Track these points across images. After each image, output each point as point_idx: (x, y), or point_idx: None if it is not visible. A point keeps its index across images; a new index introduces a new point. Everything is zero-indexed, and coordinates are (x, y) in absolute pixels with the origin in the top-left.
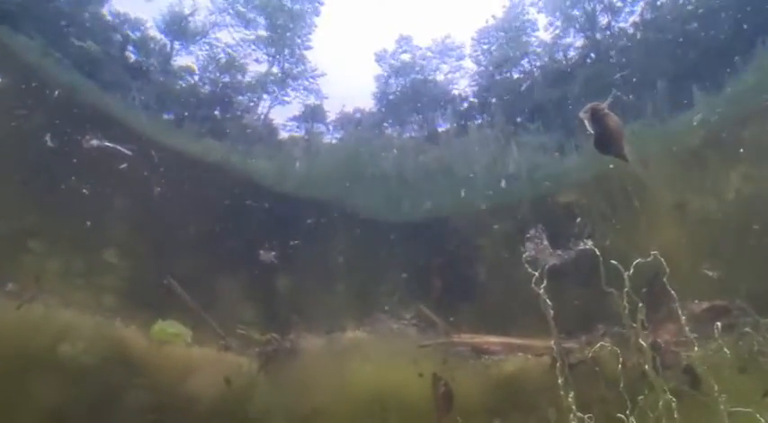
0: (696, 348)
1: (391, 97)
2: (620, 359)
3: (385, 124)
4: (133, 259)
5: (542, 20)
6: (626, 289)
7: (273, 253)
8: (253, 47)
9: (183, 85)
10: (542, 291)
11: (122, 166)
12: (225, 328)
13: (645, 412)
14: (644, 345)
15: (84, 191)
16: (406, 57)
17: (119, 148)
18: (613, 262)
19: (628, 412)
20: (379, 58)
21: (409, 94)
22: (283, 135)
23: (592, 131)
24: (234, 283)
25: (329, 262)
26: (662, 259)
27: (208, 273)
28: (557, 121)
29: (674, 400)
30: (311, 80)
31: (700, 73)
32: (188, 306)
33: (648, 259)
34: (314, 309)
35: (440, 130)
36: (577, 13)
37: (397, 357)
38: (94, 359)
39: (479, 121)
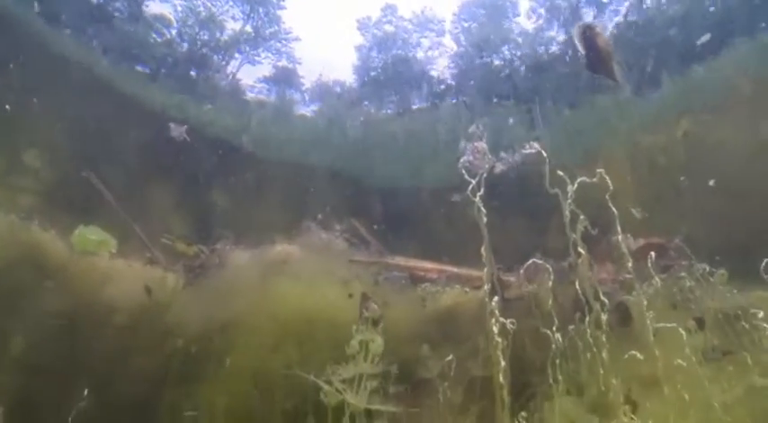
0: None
1: (373, 74)
2: (553, 294)
3: (365, 103)
4: (57, 163)
5: (524, 4)
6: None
7: (185, 127)
8: (230, 3)
9: (159, 40)
10: (479, 199)
11: None
12: (152, 242)
13: (575, 342)
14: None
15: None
16: (389, 28)
17: None
18: (559, 173)
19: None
20: (362, 27)
21: (390, 72)
22: (250, 96)
23: (582, 51)
24: (164, 195)
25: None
26: (607, 178)
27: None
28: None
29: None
30: (284, 42)
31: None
32: (110, 206)
33: (594, 179)
34: (244, 221)
35: (414, 108)
36: (562, 4)
37: (327, 274)
38: (2, 258)
39: (454, 101)
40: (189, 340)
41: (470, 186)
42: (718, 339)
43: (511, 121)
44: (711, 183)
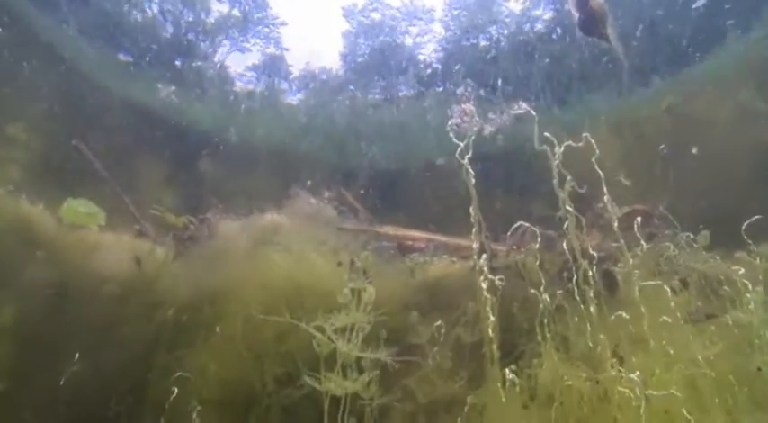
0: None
1: (360, 60)
2: (540, 258)
3: (351, 88)
4: (45, 136)
5: None
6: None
7: (173, 88)
8: None
9: (139, 20)
10: (467, 162)
11: None
12: (142, 214)
13: (562, 304)
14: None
15: None
16: (375, 15)
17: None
18: (547, 135)
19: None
20: (348, 14)
21: (377, 58)
22: (239, 85)
23: (576, 14)
24: (153, 167)
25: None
26: (593, 142)
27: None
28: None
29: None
30: (271, 27)
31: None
32: (99, 179)
33: (580, 144)
34: (233, 191)
35: (401, 95)
36: None
37: (316, 243)
38: None
39: (441, 88)
40: (179, 310)
41: (458, 149)
42: (701, 303)
43: (496, 101)
44: (694, 151)
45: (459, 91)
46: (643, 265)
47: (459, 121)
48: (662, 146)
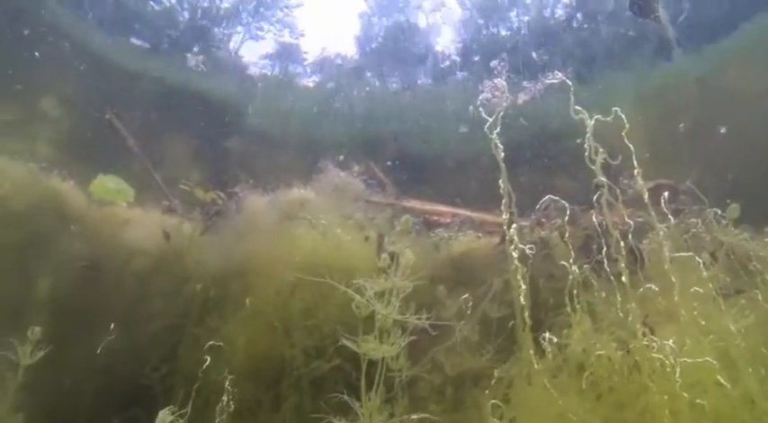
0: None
1: (374, 45)
2: (566, 236)
3: (368, 73)
4: (76, 113)
5: None
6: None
7: (201, 57)
8: None
9: (157, 8)
10: (495, 136)
11: None
12: (170, 189)
13: (591, 284)
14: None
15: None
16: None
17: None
18: (578, 107)
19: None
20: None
21: (392, 42)
22: (255, 70)
23: None
24: (181, 142)
25: None
26: (623, 116)
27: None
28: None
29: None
30: (286, 10)
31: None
32: (129, 155)
33: (609, 118)
34: (261, 165)
35: (419, 82)
36: None
37: (343, 218)
38: (23, 204)
39: (459, 77)
40: (207, 284)
41: (487, 124)
42: (730, 278)
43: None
44: (723, 130)
45: (493, 64)
46: (670, 241)
47: (489, 96)
48: (681, 124)
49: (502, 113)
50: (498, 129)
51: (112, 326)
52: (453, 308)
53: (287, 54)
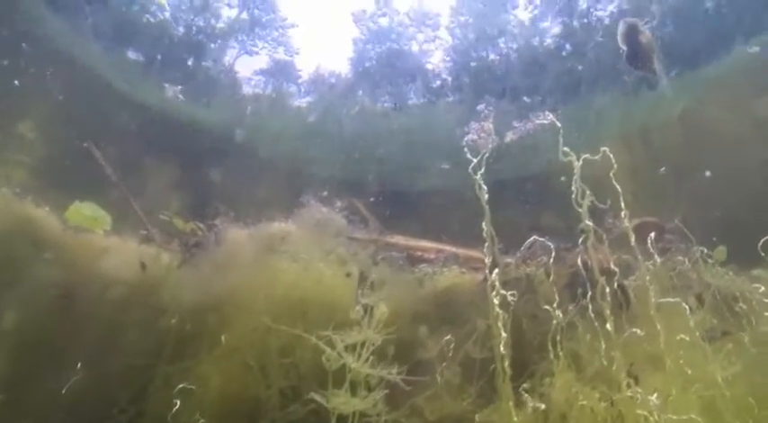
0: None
1: (367, 65)
2: (552, 277)
3: (360, 92)
4: (53, 139)
5: None
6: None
7: (179, 87)
8: None
9: (152, 20)
10: (479, 177)
11: None
12: (149, 219)
13: (575, 320)
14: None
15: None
16: (383, 20)
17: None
18: (566, 149)
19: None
20: (357, 19)
21: (384, 63)
22: (247, 90)
23: (624, 47)
24: (162, 172)
25: None
26: (611, 156)
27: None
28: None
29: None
30: (281, 30)
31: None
32: (106, 183)
33: (597, 157)
34: (243, 198)
35: (410, 103)
36: None
37: (324, 253)
38: None
39: (450, 99)
40: (184, 317)
41: (472, 164)
42: (716, 320)
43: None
44: (708, 173)
45: (480, 108)
46: (656, 280)
47: (475, 137)
48: (662, 168)
49: (487, 155)
50: (483, 170)
51: (79, 365)
52: (435, 349)
53: (281, 72)
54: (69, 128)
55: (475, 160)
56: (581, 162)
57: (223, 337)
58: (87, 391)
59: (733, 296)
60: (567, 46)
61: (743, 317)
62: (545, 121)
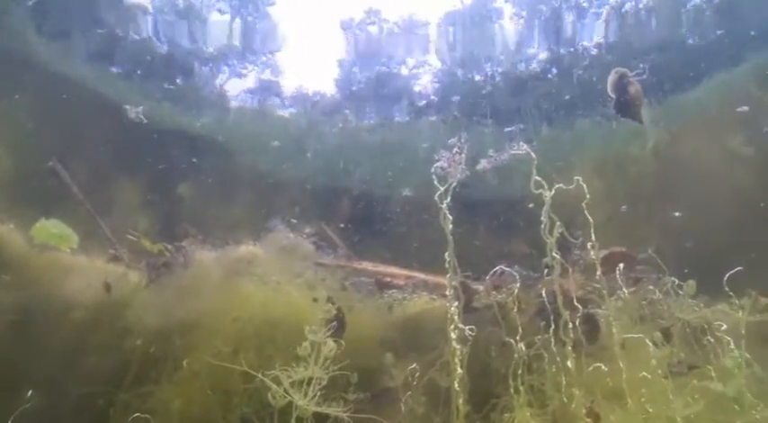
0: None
1: (354, 88)
2: (518, 303)
3: (346, 111)
4: (18, 156)
5: (508, 9)
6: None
7: (140, 108)
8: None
9: (137, 38)
10: (445, 206)
11: None
12: (117, 238)
13: (541, 356)
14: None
15: None
16: (373, 29)
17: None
18: (537, 178)
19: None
20: (345, 26)
21: (373, 86)
22: (234, 104)
23: (613, 95)
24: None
25: None
26: (584, 186)
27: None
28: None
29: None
30: (269, 55)
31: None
32: (73, 201)
33: (571, 187)
34: (211, 220)
35: (395, 120)
36: (544, 8)
37: (292, 277)
38: None
39: (433, 119)
40: (148, 340)
41: (438, 193)
42: (684, 353)
43: (489, 136)
44: (677, 214)
45: (452, 141)
46: (625, 311)
47: (445, 165)
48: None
49: (454, 184)
50: (448, 199)
51: (30, 392)
52: (400, 377)
53: (268, 89)
54: (35, 144)
55: (442, 189)
56: (553, 192)
57: (185, 362)
58: (40, 418)
59: (701, 328)
60: (554, 70)
61: (711, 350)
62: (520, 152)
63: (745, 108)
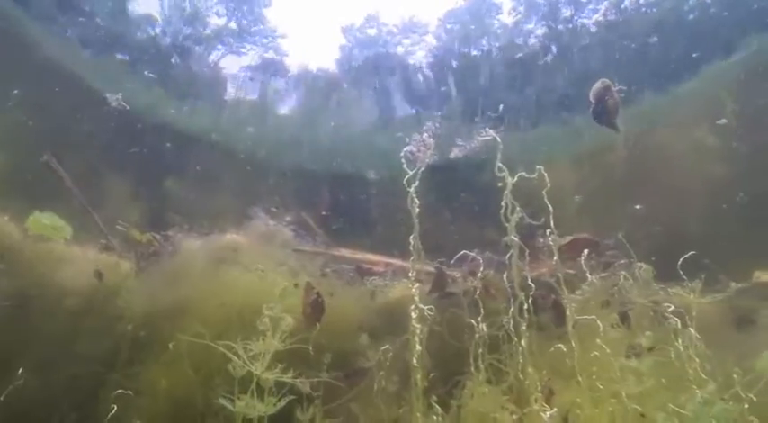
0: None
1: (353, 64)
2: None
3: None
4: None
5: (507, 4)
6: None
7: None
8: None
9: (143, 36)
10: (413, 190)
11: None
12: (108, 228)
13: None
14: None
15: None
16: (371, 31)
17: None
18: (500, 164)
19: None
20: (346, 31)
21: (371, 65)
22: (230, 92)
23: (593, 101)
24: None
25: None
26: (546, 175)
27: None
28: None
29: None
30: (270, 38)
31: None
32: (66, 193)
33: (533, 176)
34: (198, 210)
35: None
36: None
37: (274, 264)
38: None
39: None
40: (138, 325)
41: (407, 177)
42: (644, 336)
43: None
44: (637, 207)
45: (427, 125)
46: (594, 296)
47: (414, 149)
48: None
49: (422, 169)
50: (416, 183)
51: (20, 370)
52: (375, 357)
53: (269, 70)
54: (29, 137)
55: (410, 173)
56: (515, 179)
57: (171, 344)
58: (30, 399)
59: (662, 312)
60: (553, 47)
61: (671, 332)
62: (487, 138)
63: (724, 120)
